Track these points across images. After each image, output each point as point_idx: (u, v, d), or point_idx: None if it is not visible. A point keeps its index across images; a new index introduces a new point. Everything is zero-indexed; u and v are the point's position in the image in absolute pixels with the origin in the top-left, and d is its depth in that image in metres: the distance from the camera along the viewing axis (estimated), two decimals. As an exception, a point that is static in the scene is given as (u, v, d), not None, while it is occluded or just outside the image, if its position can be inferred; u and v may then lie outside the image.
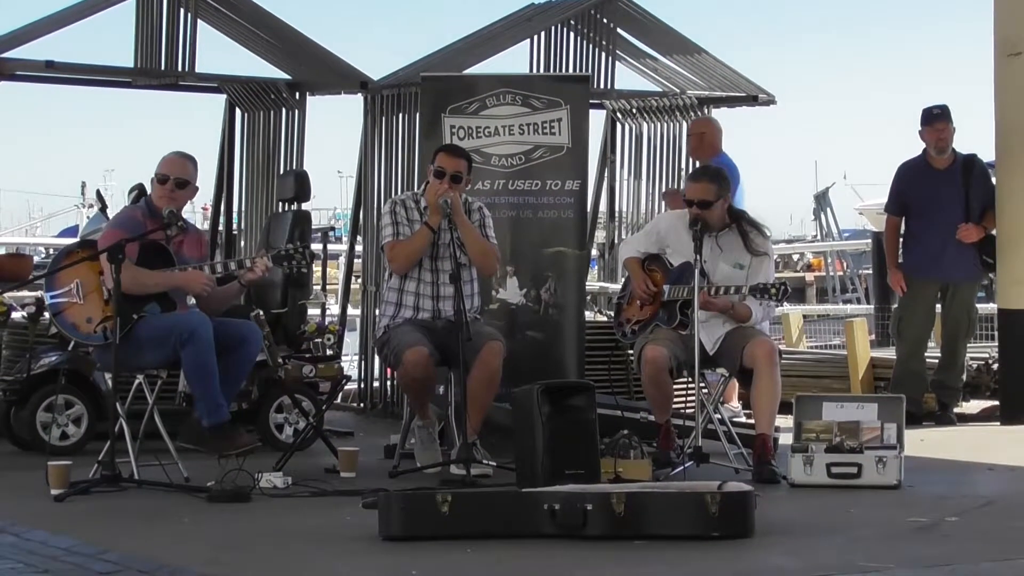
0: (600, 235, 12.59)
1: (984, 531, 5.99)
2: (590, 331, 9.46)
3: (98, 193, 12.61)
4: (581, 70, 10.88)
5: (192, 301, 7.54)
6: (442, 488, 6.35)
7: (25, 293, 10.84)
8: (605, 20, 11.12)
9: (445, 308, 7.66)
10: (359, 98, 10.82)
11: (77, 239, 11.72)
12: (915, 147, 10.16)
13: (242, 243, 11.57)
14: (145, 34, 10.57)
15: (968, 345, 10.24)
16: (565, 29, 11.07)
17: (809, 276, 32.97)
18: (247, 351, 7.49)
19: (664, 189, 11.28)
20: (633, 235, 10.23)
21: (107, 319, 7.28)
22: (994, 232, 9.94)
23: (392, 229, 7.78)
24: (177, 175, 7.58)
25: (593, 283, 11.78)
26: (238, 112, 11.54)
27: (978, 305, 10.43)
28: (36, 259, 15.06)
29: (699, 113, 11.29)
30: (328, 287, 11.97)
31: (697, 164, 10.22)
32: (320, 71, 11.16)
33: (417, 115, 9.98)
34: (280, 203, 10.07)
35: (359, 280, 11.56)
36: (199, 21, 10.66)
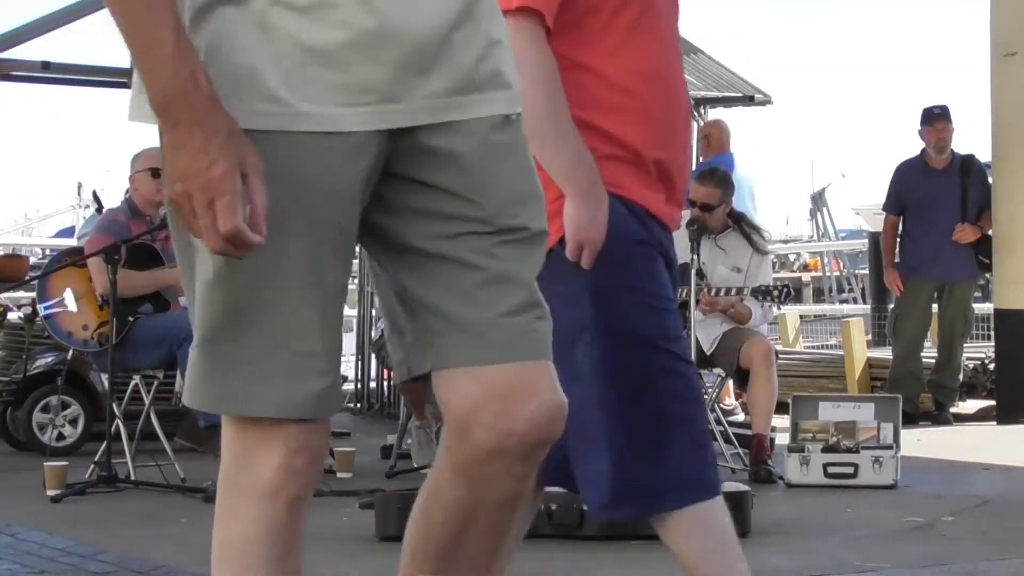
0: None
1: (980, 531, 5.99)
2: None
3: (94, 194, 12.59)
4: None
5: (184, 301, 7.53)
6: (439, 488, 6.34)
7: (21, 294, 10.84)
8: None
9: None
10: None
11: (74, 240, 11.72)
12: (911, 148, 10.19)
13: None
14: (141, 34, 10.56)
15: (964, 345, 10.23)
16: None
17: (805, 276, 32.88)
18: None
19: None
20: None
21: (103, 324, 7.26)
22: (990, 232, 9.94)
23: None
24: None
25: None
26: (235, 112, 11.52)
27: (974, 305, 10.43)
28: (32, 260, 15.04)
29: (696, 113, 11.29)
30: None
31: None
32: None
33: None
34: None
35: (355, 280, 11.55)
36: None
